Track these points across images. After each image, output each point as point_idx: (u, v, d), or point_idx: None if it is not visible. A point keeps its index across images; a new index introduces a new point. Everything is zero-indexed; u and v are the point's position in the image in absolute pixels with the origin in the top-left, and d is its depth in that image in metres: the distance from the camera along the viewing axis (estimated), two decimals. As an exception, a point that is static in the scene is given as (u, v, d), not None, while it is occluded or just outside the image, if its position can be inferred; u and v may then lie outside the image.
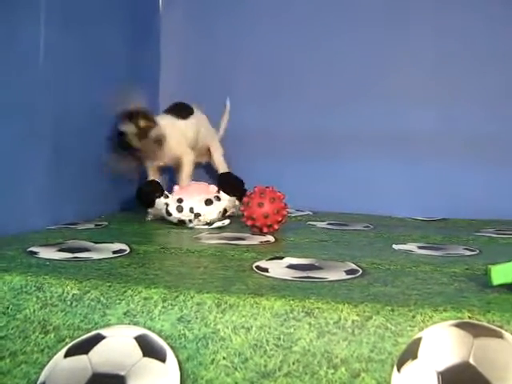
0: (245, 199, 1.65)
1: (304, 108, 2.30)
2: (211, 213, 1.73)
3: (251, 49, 2.35)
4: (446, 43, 2.19)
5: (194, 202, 1.72)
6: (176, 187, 1.80)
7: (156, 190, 1.80)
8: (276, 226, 1.65)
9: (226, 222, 1.76)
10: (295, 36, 2.31)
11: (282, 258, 1.27)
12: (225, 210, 1.75)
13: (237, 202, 1.81)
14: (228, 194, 1.76)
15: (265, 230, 1.63)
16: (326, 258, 1.28)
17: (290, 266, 1.18)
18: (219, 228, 1.72)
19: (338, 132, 2.24)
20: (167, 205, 1.75)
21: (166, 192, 1.78)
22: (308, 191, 2.19)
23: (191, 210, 1.71)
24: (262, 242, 1.50)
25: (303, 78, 2.30)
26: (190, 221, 1.73)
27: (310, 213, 2.15)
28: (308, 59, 2.30)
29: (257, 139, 2.26)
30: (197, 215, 1.72)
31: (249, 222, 1.64)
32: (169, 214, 1.74)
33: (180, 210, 1.72)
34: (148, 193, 1.82)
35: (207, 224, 1.73)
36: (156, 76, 2.42)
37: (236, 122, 2.28)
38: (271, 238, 1.55)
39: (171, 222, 1.76)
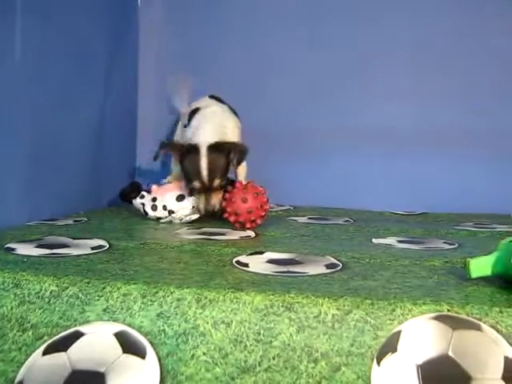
0: (227, 195, 1.64)
1: (283, 104, 2.29)
2: (184, 208, 1.73)
3: (230, 44, 2.34)
4: (426, 38, 2.20)
5: (167, 200, 1.75)
6: (154, 187, 1.81)
7: (133, 190, 1.86)
8: (259, 221, 1.64)
9: (194, 216, 1.75)
10: (275, 33, 2.30)
11: (262, 252, 1.27)
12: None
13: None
14: None
15: (248, 225, 1.62)
16: (306, 252, 1.28)
17: (271, 261, 1.18)
18: (193, 223, 1.73)
19: (318, 128, 2.24)
20: (143, 205, 1.80)
21: (143, 192, 1.82)
22: (288, 186, 2.19)
23: (164, 207, 1.75)
24: (242, 236, 1.50)
25: (281, 75, 2.29)
26: (166, 218, 1.76)
27: (291, 207, 2.16)
28: (286, 56, 2.30)
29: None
30: (170, 212, 1.74)
31: (232, 218, 1.63)
32: (145, 213, 1.78)
33: (154, 208, 1.76)
34: (126, 193, 1.91)
35: (179, 219, 1.74)
36: (135, 70, 2.41)
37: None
38: (251, 233, 1.55)
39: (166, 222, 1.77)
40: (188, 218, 1.74)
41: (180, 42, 2.38)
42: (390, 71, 2.23)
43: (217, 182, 1.64)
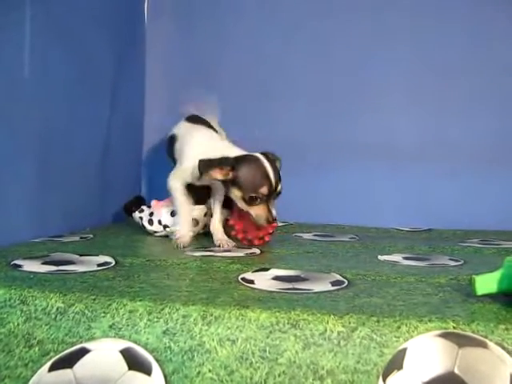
0: (235, 213, 1.65)
1: (288, 119, 2.30)
2: (177, 223, 1.72)
3: (236, 56, 2.35)
4: (428, 55, 2.21)
5: (162, 215, 1.79)
6: (153, 202, 1.85)
7: (135, 204, 1.92)
8: (267, 238, 1.65)
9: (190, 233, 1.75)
10: (282, 46, 2.32)
11: (267, 269, 1.27)
12: (194, 220, 1.75)
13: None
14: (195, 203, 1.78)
15: (256, 242, 1.63)
16: (311, 269, 1.28)
17: (276, 278, 1.18)
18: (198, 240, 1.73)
19: (323, 143, 2.25)
20: (141, 218, 1.84)
21: (143, 207, 1.87)
22: (294, 202, 2.19)
23: (159, 222, 1.79)
24: (247, 253, 1.50)
25: (286, 88, 2.31)
26: (161, 231, 1.79)
27: (296, 224, 2.16)
28: (292, 71, 2.31)
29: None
30: (165, 227, 1.78)
31: (240, 235, 1.64)
32: (144, 226, 1.82)
33: (151, 223, 1.80)
34: (128, 207, 1.97)
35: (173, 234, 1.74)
36: (142, 83, 2.42)
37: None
38: (257, 250, 1.55)
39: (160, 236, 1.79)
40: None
41: (188, 53, 2.39)
42: (394, 85, 2.23)
43: (280, 187, 1.58)
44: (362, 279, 1.19)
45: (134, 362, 0.89)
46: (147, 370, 0.88)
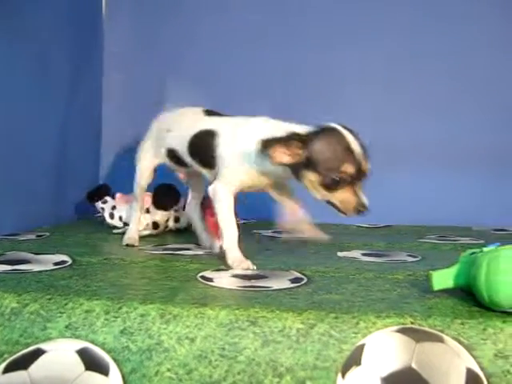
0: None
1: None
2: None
3: (200, 52, 2.33)
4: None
5: (124, 211, 1.77)
6: (118, 195, 1.82)
7: (98, 193, 1.88)
8: None
9: (145, 232, 1.74)
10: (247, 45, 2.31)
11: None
12: (155, 224, 1.74)
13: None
14: (157, 207, 1.75)
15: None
16: (270, 266, 1.28)
17: (235, 276, 1.18)
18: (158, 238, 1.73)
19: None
20: (103, 210, 1.82)
21: (106, 197, 1.84)
22: (253, 200, 2.19)
23: (120, 218, 1.77)
24: (207, 251, 1.49)
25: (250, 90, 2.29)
26: (120, 228, 1.77)
27: (256, 221, 2.15)
28: (255, 72, 2.30)
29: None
30: (125, 224, 1.75)
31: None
32: (104, 218, 1.81)
33: (112, 216, 1.79)
34: (91, 195, 1.91)
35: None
36: (99, 81, 2.38)
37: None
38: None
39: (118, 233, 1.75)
40: (139, 233, 1.71)
41: (147, 51, 2.36)
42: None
43: (369, 165, 1.25)
44: (321, 276, 1.20)
45: (91, 363, 0.88)
46: (104, 371, 0.87)
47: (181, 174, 1.63)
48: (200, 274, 1.18)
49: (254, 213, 2.17)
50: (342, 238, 1.77)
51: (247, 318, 0.90)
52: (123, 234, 1.68)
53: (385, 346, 0.85)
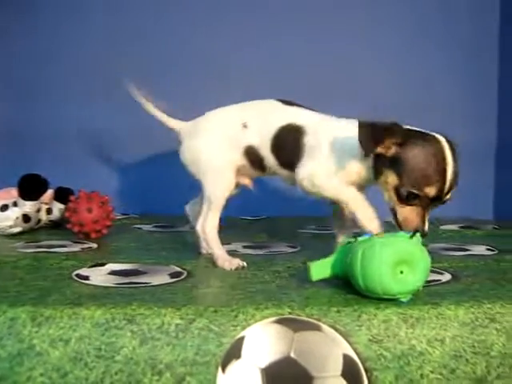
0: (70, 205, 1.58)
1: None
2: (7, 219, 1.62)
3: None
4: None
5: None
6: None
7: None
8: (105, 231, 1.60)
9: (16, 229, 1.64)
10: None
11: (103, 264, 1.22)
12: (26, 216, 1.66)
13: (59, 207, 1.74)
14: (24, 198, 1.66)
15: (93, 235, 1.57)
16: (150, 262, 1.26)
17: (112, 273, 1.15)
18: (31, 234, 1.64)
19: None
20: None
21: None
22: (136, 194, 2.16)
23: None
24: (83, 248, 1.44)
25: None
26: None
27: (136, 215, 2.11)
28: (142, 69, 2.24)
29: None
30: None
31: (76, 228, 1.57)
32: None
33: None
34: None
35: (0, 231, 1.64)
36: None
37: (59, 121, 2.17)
38: (94, 244, 1.50)
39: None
40: (10, 231, 1.63)
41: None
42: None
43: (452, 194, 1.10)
44: (201, 270, 1.19)
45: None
46: (-30, 380, 0.82)
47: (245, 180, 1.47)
48: (75, 273, 1.14)
49: (136, 207, 2.14)
50: (224, 231, 1.76)
51: (124, 316, 0.88)
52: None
53: (263, 338, 0.85)
